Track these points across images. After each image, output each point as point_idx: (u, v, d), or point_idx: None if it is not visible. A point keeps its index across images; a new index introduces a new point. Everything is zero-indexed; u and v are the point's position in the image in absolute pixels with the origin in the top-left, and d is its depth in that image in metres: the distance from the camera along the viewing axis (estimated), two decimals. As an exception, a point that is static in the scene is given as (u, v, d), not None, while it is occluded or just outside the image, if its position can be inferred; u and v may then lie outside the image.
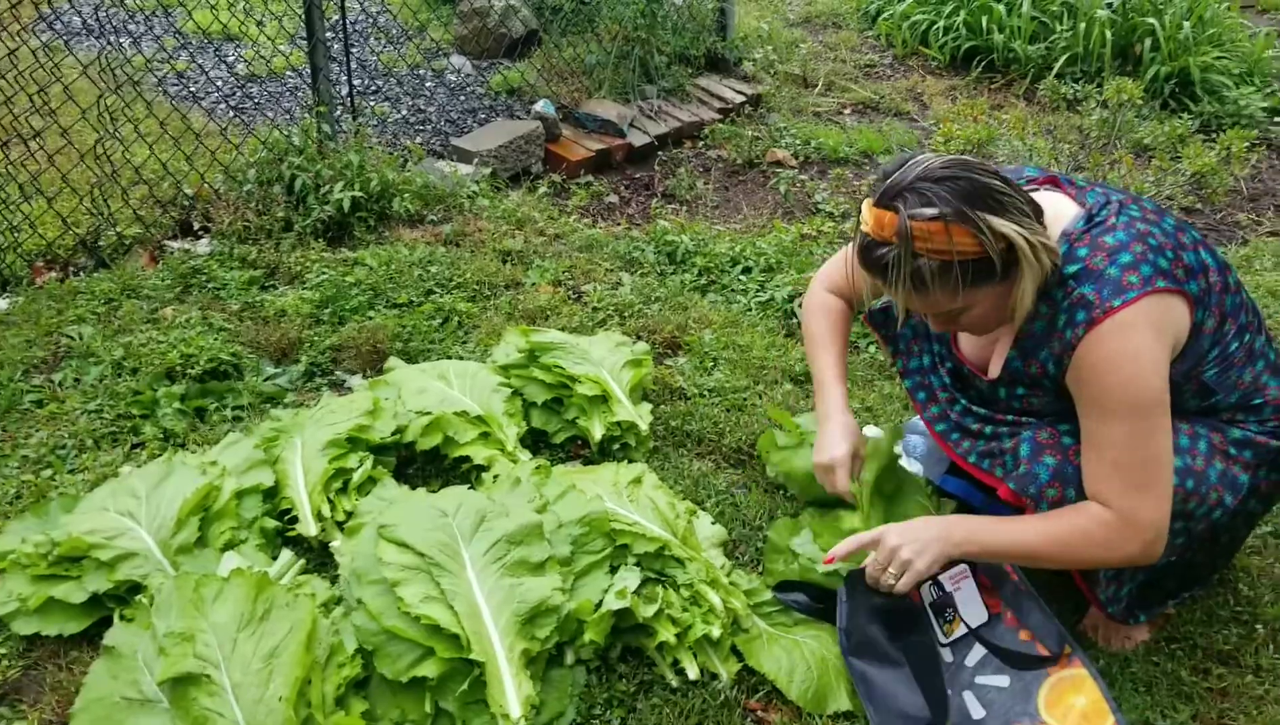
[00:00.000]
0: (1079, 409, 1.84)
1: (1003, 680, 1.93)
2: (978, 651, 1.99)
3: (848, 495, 2.15)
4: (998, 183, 1.73)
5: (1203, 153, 3.96)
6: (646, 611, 2.03)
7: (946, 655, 2.01)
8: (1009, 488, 1.94)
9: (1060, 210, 1.86)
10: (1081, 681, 1.87)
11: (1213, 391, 1.90)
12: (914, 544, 1.89)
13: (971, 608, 2.02)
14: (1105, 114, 4.29)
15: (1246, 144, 4.05)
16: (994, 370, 2.04)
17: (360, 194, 3.89)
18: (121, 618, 1.99)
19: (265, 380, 2.98)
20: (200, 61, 5.54)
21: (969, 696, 1.93)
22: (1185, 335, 1.81)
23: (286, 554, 2.17)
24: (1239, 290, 1.91)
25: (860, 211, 1.79)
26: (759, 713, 1.98)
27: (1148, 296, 1.74)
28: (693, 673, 1.99)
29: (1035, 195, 1.84)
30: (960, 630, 2.01)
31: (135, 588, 2.07)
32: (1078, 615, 2.15)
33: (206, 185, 3.93)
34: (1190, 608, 2.19)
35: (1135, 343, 1.74)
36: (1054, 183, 1.94)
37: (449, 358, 3.06)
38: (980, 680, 1.95)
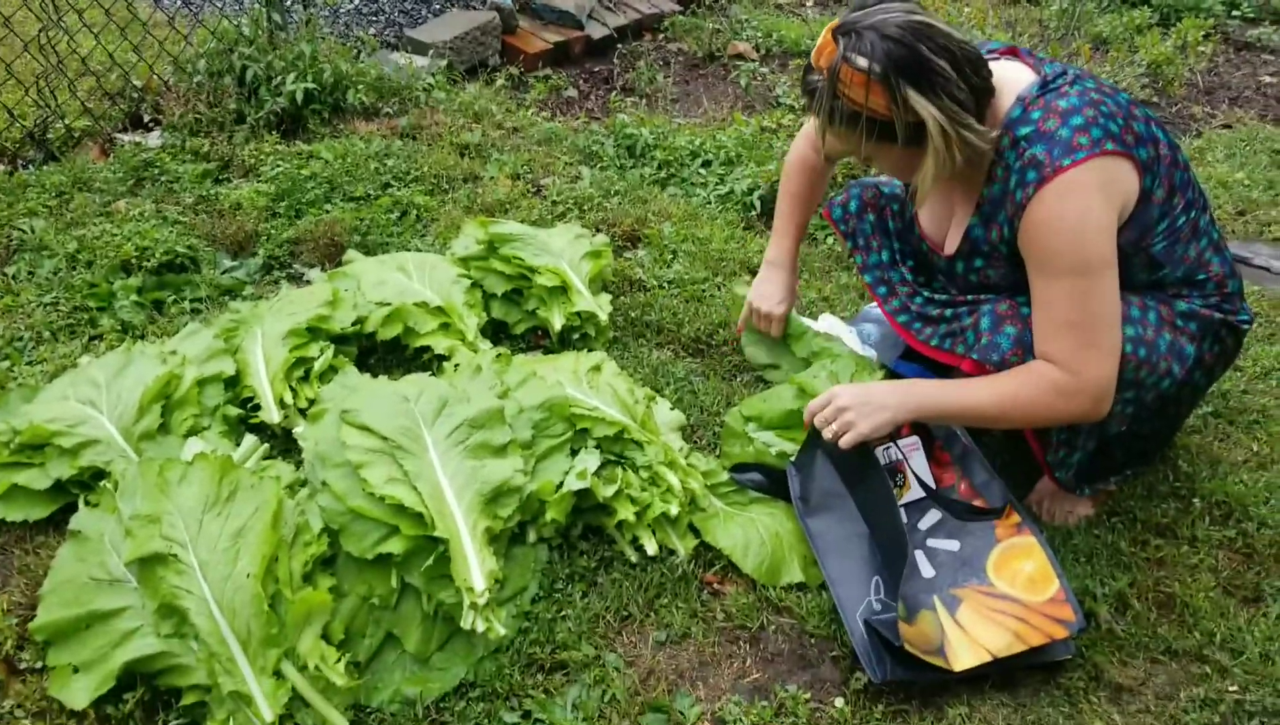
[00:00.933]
0: (1029, 269, 1.89)
1: (953, 545, 2.01)
2: (931, 516, 2.07)
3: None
4: (942, 64, 1.77)
5: (1158, 42, 3.96)
6: (606, 491, 2.07)
7: (901, 516, 2.07)
8: (972, 360, 1.99)
9: (1018, 76, 1.91)
10: (1030, 549, 1.95)
11: (1160, 265, 1.96)
12: (863, 407, 1.95)
13: (922, 475, 2.10)
14: (1065, 5, 4.27)
15: (1202, 34, 4.05)
16: (950, 246, 2.09)
17: (313, 85, 3.82)
18: (86, 503, 2.01)
19: (223, 273, 2.96)
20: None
21: (920, 556, 2.00)
22: (1134, 199, 1.86)
23: (250, 439, 2.19)
24: (1187, 168, 1.96)
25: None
26: (715, 585, 2.04)
27: (1096, 158, 1.78)
28: (651, 549, 2.05)
29: (994, 64, 1.88)
30: (910, 495, 2.08)
31: (99, 474, 2.08)
32: (1023, 491, 2.23)
33: (155, 76, 3.84)
34: (1131, 484, 2.27)
35: (1083, 202, 1.78)
36: (1014, 54, 1.98)
37: (408, 251, 3.05)
38: (932, 543, 2.03)
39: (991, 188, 1.92)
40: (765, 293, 2.55)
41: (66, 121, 3.60)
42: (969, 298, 2.10)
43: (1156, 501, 2.24)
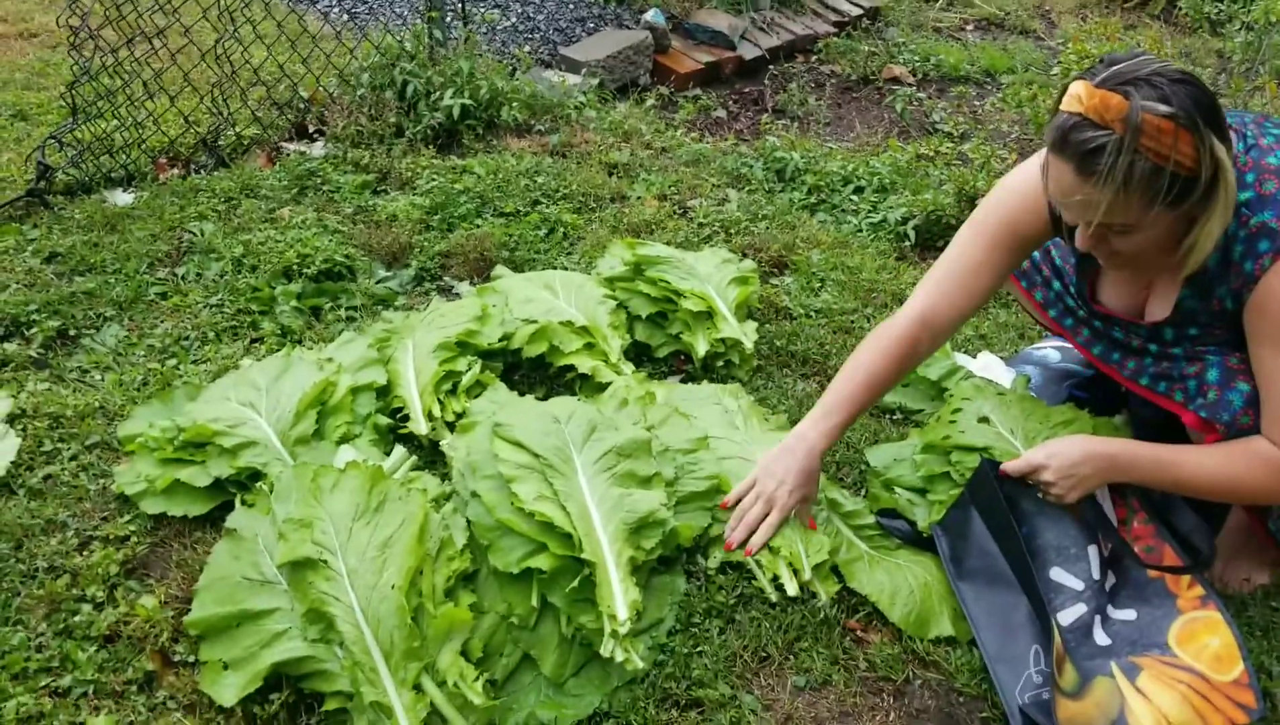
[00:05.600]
0: (1255, 342, 1.77)
1: (1129, 614, 1.91)
2: (1111, 577, 1.97)
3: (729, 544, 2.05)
4: (1222, 110, 1.65)
5: (1351, 80, 3.72)
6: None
7: (1095, 573, 1.97)
8: (1198, 416, 1.87)
9: None
10: (1216, 625, 1.84)
11: None
12: (1069, 479, 1.90)
13: (1109, 517, 2.01)
14: (1250, 37, 4.04)
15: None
16: (1159, 312, 1.94)
17: (470, 101, 3.89)
18: (243, 502, 2.06)
19: (377, 282, 3.02)
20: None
21: (1097, 623, 1.91)
22: None
23: (400, 450, 2.22)
24: None
25: (1070, 91, 1.66)
26: (858, 632, 1.97)
27: None
28: (792, 589, 1.99)
29: None
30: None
31: (256, 474, 2.14)
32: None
33: (321, 89, 3.97)
34: (1313, 553, 2.11)
35: None
36: None
37: (554, 268, 3.06)
38: (1111, 613, 1.92)
39: (1207, 259, 1.76)
40: (774, 471, 2.05)
41: (237, 129, 3.76)
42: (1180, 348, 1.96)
43: (1342, 574, 2.08)
